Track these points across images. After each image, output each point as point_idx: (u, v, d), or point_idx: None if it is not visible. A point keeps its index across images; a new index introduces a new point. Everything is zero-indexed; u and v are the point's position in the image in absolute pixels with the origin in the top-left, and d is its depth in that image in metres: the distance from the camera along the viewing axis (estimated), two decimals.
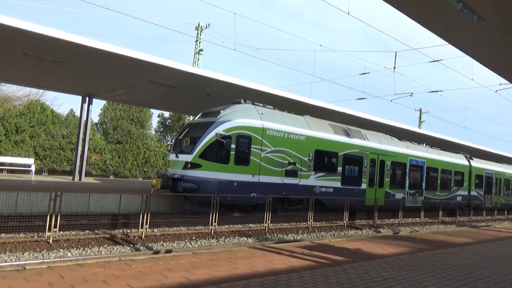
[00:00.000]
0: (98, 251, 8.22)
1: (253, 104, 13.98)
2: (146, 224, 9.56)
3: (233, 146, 12.61)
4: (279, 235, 11.81)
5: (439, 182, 21.96)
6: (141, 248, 8.71)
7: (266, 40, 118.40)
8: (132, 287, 5.14)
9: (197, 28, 30.60)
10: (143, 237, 9.44)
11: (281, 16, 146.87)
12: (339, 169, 15.93)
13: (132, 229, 10.15)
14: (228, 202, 12.36)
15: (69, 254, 7.78)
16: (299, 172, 14.30)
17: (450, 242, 11.84)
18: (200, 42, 30.45)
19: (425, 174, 20.86)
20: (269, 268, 6.70)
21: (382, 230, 14.96)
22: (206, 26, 30.57)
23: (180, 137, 14.14)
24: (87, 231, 9.78)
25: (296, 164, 14.18)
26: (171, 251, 8.11)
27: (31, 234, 8.86)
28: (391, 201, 18.20)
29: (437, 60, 19.41)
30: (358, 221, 16.43)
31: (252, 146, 12.97)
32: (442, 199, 22.04)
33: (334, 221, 14.97)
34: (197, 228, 11.22)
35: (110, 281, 5.36)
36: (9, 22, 11.25)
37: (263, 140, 13.21)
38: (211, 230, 10.78)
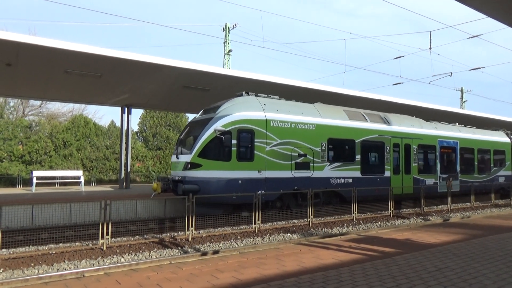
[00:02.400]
0: (149, 255, 8.50)
1: (256, 95, 13.23)
2: (192, 226, 9.77)
3: (234, 141, 11.89)
4: (323, 229, 11.69)
5: (476, 163, 20.40)
6: (189, 250, 8.91)
7: (294, 34, 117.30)
8: None
9: (224, 30, 30.84)
10: (189, 239, 9.66)
11: (308, 8, 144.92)
12: (358, 157, 14.83)
13: (179, 232, 10.42)
14: (233, 202, 11.74)
15: (122, 259, 8.10)
16: (312, 164, 13.42)
17: (507, 226, 11.21)
18: (228, 43, 30.67)
19: (459, 156, 19.35)
20: (317, 264, 6.65)
21: (431, 218, 14.40)
22: (233, 26, 30.74)
23: (181, 137, 13.47)
24: (137, 236, 10.15)
25: (308, 156, 13.30)
26: (218, 252, 8.24)
27: (86, 242, 9.32)
28: (420, 188, 16.40)
29: (476, 36, 18.39)
30: (405, 210, 15.93)
31: (255, 140, 12.21)
32: (482, 181, 20.43)
33: (379, 212, 14.62)
34: (241, 227, 11.32)
35: (163, 284, 5.53)
36: (50, 43, 11.86)
37: (267, 132, 12.43)
38: (255, 228, 10.84)
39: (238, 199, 11.57)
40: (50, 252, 8.21)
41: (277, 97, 13.80)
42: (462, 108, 41.07)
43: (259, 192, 11.78)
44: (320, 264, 6.62)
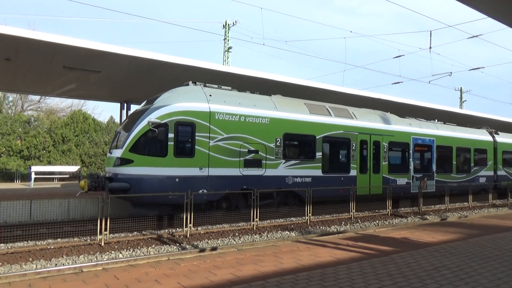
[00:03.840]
0: (147, 251, 8.52)
1: (204, 86, 12.09)
2: (190, 223, 9.79)
3: (171, 135, 10.79)
4: (321, 227, 11.73)
5: (454, 162, 19.10)
6: (187, 246, 8.94)
7: (295, 32, 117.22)
8: (183, 286, 5.30)
9: (224, 26, 30.77)
10: (188, 235, 9.68)
11: (309, 5, 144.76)
12: (318, 154, 13.61)
13: (177, 229, 10.44)
14: (170, 202, 10.65)
15: (120, 255, 8.13)
16: (264, 161, 12.24)
17: (504, 226, 11.26)
18: (228, 40, 30.61)
19: (435, 154, 18.11)
20: (315, 262, 6.68)
21: (428, 217, 14.46)
22: (234, 23, 30.68)
23: (118, 130, 12.31)
24: (135, 232, 10.16)
25: (260, 152, 12.13)
26: (216, 249, 8.26)
27: (84, 238, 9.34)
28: (392, 187, 15.36)
29: (476, 36, 18.41)
30: (402, 208, 15.99)
31: (197, 134, 11.08)
32: (461, 181, 19.17)
33: (376, 210, 14.66)
34: (239, 224, 11.35)
35: (162, 280, 5.55)
36: (49, 38, 11.82)
37: (211, 126, 11.30)
38: (253, 225, 10.87)
39: (175, 199, 10.43)
40: (48, 247, 8.24)
41: (229, 88, 12.62)
42: (462, 108, 41.12)
43: (201, 191, 10.96)
44: (318, 262, 6.65)
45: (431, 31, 18.86)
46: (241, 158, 11.81)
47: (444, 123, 20.25)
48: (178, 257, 7.28)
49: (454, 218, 14.12)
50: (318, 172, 13.60)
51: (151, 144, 10.80)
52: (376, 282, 5.19)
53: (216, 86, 12.34)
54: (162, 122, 10.74)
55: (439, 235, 9.67)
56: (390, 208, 14.45)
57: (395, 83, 25.24)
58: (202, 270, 6.14)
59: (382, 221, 13.27)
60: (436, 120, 20.85)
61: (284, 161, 12.74)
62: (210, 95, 11.68)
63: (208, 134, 11.29)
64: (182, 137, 11.01)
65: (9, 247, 8.47)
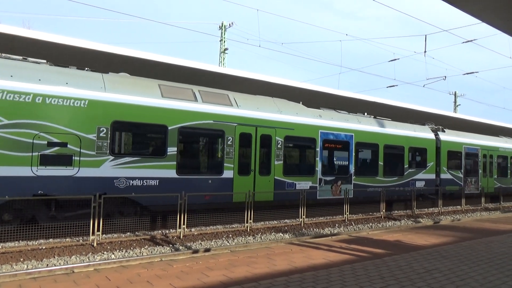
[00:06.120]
0: (140, 252, 8.48)
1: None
2: (184, 224, 9.77)
3: None
4: (315, 229, 11.74)
5: (381, 163, 15.83)
6: (181, 247, 8.91)
7: (291, 34, 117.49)
8: (174, 287, 5.28)
9: (221, 28, 30.80)
10: (181, 237, 9.66)
11: (308, 8, 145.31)
12: (172, 150, 10.69)
13: (171, 230, 10.41)
14: None
15: (113, 256, 8.08)
16: (76, 158, 9.36)
17: (496, 230, 11.34)
18: (224, 41, 30.64)
19: (353, 153, 14.98)
20: (308, 264, 6.68)
21: (421, 220, 14.53)
22: (230, 25, 30.72)
23: None
24: (128, 233, 10.11)
25: (69, 145, 9.32)
26: (210, 250, 8.24)
27: (77, 238, 9.27)
28: (286, 193, 12.68)
29: (471, 40, 18.57)
30: (396, 211, 16.07)
31: None
32: (390, 185, 16.04)
33: (370, 213, 14.72)
34: (233, 226, 11.34)
35: (153, 281, 5.53)
36: (45, 37, 11.77)
37: None
38: (247, 227, 10.86)
39: None
40: (40, 248, 8.17)
41: (20, 57, 9.65)
42: (455, 112, 41.44)
43: None
44: (311, 264, 6.65)
45: (426, 35, 18.97)
46: (36, 153, 8.99)
47: (375, 117, 17.16)
48: (171, 258, 7.25)
49: (447, 221, 14.20)
50: (171, 173, 10.68)
51: None
52: (368, 285, 5.20)
53: (21, 58, 9.62)
54: None
55: (432, 238, 9.71)
56: (384, 211, 14.52)
57: (390, 87, 25.34)
58: (194, 271, 6.12)
59: (376, 223, 13.33)
60: (370, 115, 17.55)
61: (112, 157, 9.86)
62: None
63: None
64: None
65: (0, 247, 8.39)
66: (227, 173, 11.65)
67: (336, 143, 14.58)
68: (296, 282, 5.30)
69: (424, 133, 18.17)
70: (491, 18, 9.33)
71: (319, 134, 13.97)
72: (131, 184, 10.06)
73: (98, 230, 8.67)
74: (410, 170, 17.04)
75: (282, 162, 12.86)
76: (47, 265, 7.25)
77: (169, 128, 10.70)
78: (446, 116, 25.89)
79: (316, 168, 13.80)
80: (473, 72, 23.37)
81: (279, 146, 12.83)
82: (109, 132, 9.86)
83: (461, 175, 19.64)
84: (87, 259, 7.72)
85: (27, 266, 7.11)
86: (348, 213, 13.29)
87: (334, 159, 14.68)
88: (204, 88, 12.06)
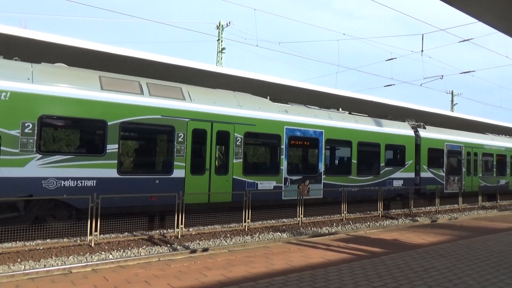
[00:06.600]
0: (138, 252, 8.48)
1: None
2: (182, 224, 9.76)
3: None
4: (313, 228, 11.76)
5: (354, 161, 15.01)
6: (178, 247, 8.91)
7: (289, 34, 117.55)
8: (172, 287, 5.28)
9: (218, 27, 30.77)
10: (179, 236, 9.65)
11: (306, 7, 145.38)
12: (112, 148, 9.81)
13: (169, 229, 10.40)
14: None
15: (110, 256, 8.07)
16: None
17: (493, 228, 11.39)
18: (222, 41, 30.61)
19: (323, 151, 14.06)
20: (305, 263, 6.70)
21: (419, 219, 14.59)
22: (227, 24, 30.70)
23: None
24: (126, 233, 10.09)
25: None
26: (208, 250, 8.25)
27: (74, 239, 9.25)
28: (244, 193, 11.46)
29: (467, 40, 18.63)
30: (393, 210, 16.11)
31: None
32: (364, 185, 15.25)
33: (368, 212, 14.76)
34: (231, 225, 11.35)
35: (151, 281, 5.52)
36: (41, 37, 11.73)
37: None
38: (245, 226, 10.87)
39: None
40: (37, 248, 8.15)
41: None
42: (452, 111, 41.56)
43: None
44: (309, 263, 6.66)
45: (423, 35, 19.03)
46: None
47: (350, 113, 16.33)
48: (168, 258, 7.25)
49: (444, 220, 14.25)
50: (111, 173, 9.81)
51: None
52: (366, 284, 5.22)
53: None
54: None
55: (429, 236, 9.75)
56: (381, 209, 14.56)
57: (387, 86, 25.39)
58: (192, 271, 6.12)
59: (373, 222, 13.36)
60: (345, 111, 16.54)
61: (39, 156, 8.97)
62: None
63: None
64: None
65: None
66: (178, 172, 10.82)
67: (304, 140, 13.77)
68: (294, 281, 5.31)
69: (402, 129, 17.29)
70: (489, 18, 9.38)
71: (285, 130, 13.13)
72: (62, 185, 9.16)
73: (96, 230, 8.66)
74: (386, 168, 16.23)
75: (241, 160, 12.04)
76: (45, 265, 7.23)
77: (108, 123, 9.83)
78: (429, 112, 24.87)
79: (281, 167, 12.95)
80: (470, 71, 23.44)
81: (238, 143, 12.01)
82: (36, 128, 8.96)
83: (443, 174, 18.93)
84: (85, 259, 7.71)
85: (25, 267, 7.09)
86: (346, 212, 13.32)
87: (302, 157, 13.99)
88: (153, 80, 11.19)
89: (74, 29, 75.34)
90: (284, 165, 13.00)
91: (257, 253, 7.50)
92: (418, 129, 18.26)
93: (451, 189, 19.23)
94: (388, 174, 16.25)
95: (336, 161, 15.10)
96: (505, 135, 26.61)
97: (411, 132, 17.52)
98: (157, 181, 10.50)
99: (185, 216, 9.95)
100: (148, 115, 10.41)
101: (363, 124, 15.70)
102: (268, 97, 13.87)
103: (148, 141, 11.04)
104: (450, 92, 45.14)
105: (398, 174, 16.67)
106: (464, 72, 23.65)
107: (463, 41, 18.77)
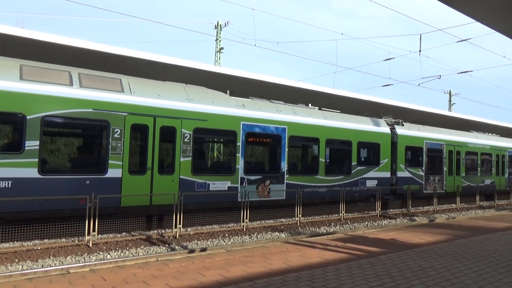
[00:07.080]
0: (136, 252, 8.47)
1: None
2: (180, 223, 9.75)
3: None
4: (311, 228, 11.77)
5: (322, 160, 13.95)
6: (176, 247, 8.90)
7: (287, 34, 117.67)
8: (170, 287, 5.27)
9: (216, 27, 30.75)
10: (177, 236, 9.64)
11: (303, 7, 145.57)
12: (32, 144, 8.67)
13: (167, 229, 10.39)
14: None
15: (108, 256, 8.06)
16: None
17: (490, 228, 11.43)
18: (220, 41, 30.59)
19: (286, 149, 13.02)
20: (304, 263, 6.70)
21: (417, 219, 14.62)
22: (225, 24, 30.69)
23: None
24: (124, 233, 10.08)
25: None
26: (206, 250, 8.24)
27: (72, 239, 9.23)
28: (196, 196, 10.92)
29: (465, 40, 18.68)
30: (391, 210, 16.14)
31: None
32: (334, 185, 14.23)
33: (366, 212, 14.78)
34: (229, 225, 11.34)
35: (149, 281, 5.52)
36: (39, 36, 11.69)
37: None
38: (243, 226, 10.87)
39: None
40: (35, 248, 8.13)
41: None
42: (450, 111, 41.65)
43: None
44: (307, 263, 6.67)
45: (421, 35, 19.07)
46: None
47: (320, 109, 15.27)
48: (166, 258, 7.24)
49: (442, 219, 14.29)
50: (31, 172, 8.67)
51: None
52: (364, 283, 5.22)
53: None
54: None
55: (427, 236, 9.77)
56: (379, 209, 14.59)
57: (385, 86, 25.42)
58: (190, 271, 6.12)
59: (371, 222, 13.38)
60: (315, 107, 15.64)
61: None
62: None
63: None
64: None
65: None
66: (113, 172, 9.70)
67: (264, 136, 12.74)
68: (292, 281, 5.32)
69: (377, 126, 16.26)
70: (487, 18, 9.40)
71: (241, 126, 12.05)
72: None
73: (94, 230, 8.64)
74: (359, 167, 15.21)
75: (189, 158, 10.97)
76: (42, 265, 7.22)
77: (28, 117, 8.67)
78: (407, 109, 23.96)
79: (237, 166, 11.88)
80: (467, 71, 23.51)
81: (186, 140, 10.95)
82: None
83: (422, 173, 17.99)
84: (83, 260, 7.69)
85: (22, 267, 7.07)
86: (344, 212, 13.33)
87: (262, 156, 12.69)
88: (87, 71, 10.07)
89: (74, 29, 75.22)
90: (240, 164, 11.98)
91: (255, 253, 7.50)
92: (395, 126, 17.43)
93: (431, 189, 18.44)
94: (360, 174, 15.30)
95: (301, 160, 14.39)
96: (491, 133, 26.31)
97: (387, 129, 16.58)
98: (88, 182, 9.40)
99: (183, 216, 9.94)
100: (77, 109, 9.29)
101: (333, 121, 14.67)
102: (228, 92, 12.88)
103: (77, 137, 9.80)
104: (448, 92, 45.27)
105: (372, 174, 15.71)
106: (462, 72, 23.71)
107: (461, 41, 18.82)
